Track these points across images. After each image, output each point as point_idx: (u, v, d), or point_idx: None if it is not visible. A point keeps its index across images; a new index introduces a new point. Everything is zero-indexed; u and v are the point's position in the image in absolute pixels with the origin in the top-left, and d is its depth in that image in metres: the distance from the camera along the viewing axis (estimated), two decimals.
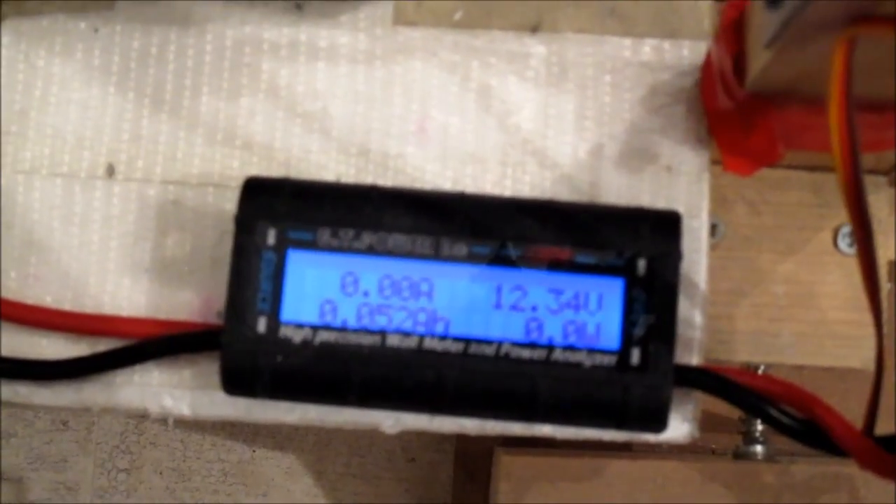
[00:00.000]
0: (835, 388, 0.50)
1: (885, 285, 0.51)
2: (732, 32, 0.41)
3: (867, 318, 0.36)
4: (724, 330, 0.49)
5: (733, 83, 0.42)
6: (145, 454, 1.07)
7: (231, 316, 0.42)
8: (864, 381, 0.39)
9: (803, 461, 0.69)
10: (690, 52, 0.47)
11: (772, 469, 0.69)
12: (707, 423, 0.49)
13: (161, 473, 1.07)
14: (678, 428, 0.45)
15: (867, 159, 0.46)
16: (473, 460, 0.94)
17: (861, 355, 0.50)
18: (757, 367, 0.58)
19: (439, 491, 1.05)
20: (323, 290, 0.42)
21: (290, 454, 1.06)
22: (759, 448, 0.72)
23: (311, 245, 0.42)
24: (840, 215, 0.50)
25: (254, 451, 1.06)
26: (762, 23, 0.37)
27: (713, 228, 0.49)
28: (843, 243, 0.50)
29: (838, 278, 0.49)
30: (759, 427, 0.73)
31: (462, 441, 0.96)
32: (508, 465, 0.69)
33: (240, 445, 1.06)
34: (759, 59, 0.39)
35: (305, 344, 0.42)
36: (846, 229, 0.50)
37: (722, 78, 0.42)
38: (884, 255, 0.50)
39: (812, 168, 0.49)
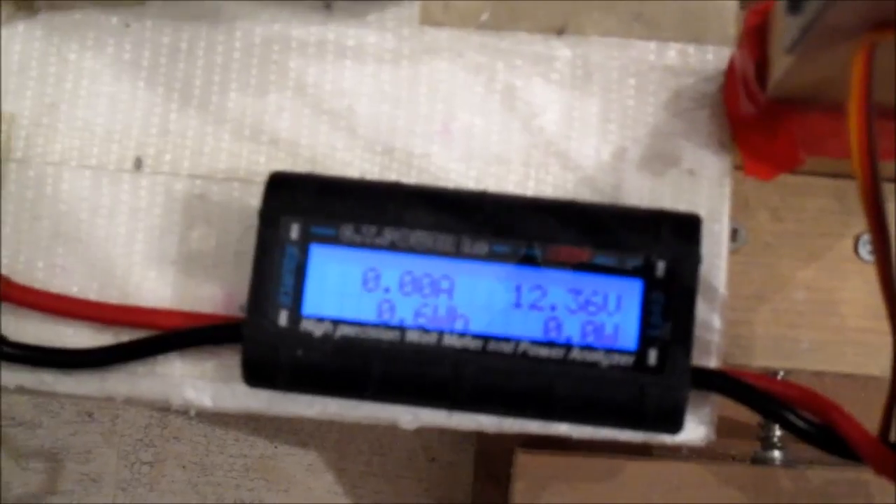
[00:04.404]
0: (856, 396, 0.50)
1: None
2: (755, 38, 0.42)
3: (887, 326, 0.36)
4: (743, 335, 0.50)
5: (756, 88, 0.42)
6: (169, 447, 1.08)
7: (253, 309, 0.43)
8: (886, 390, 0.40)
9: (820, 467, 0.70)
10: (715, 57, 0.47)
11: (788, 474, 0.69)
12: (726, 429, 0.49)
13: (184, 467, 1.08)
14: (695, 430, 0.45)
15: (889, 168, 0.47)
16: (494, 461, 0.95)
17: (880, 363, 0.50)
18: (776, 373, 0.59)
19: (459, 492, 1.06)
20: (344, 286, 0.43)
21: (312, 451, 1.07)
22: (777, 454, 0.73)
23: (334, 240, 0.43)
24: (862, 223, 0.50)
25: (276, 447, 1.08)
26: (783, 28, 0.38)
27: (734, 233, 0.49)
28: (864, 251, 0.51)
29: (859, 285, 0.50)
30: (778, 433, 0.73)
31: (483, 442, 0.97)
32: (526, 464, 0.70)
33: (262, 441, 1.08)
34: (780, 65, 0.39)
35: (326, 338, 0.43)
36: (867, 237, 0.51)
37: (744, 83, 0.43)
38: None
39: (835, 175, 0.50)
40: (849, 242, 0.50)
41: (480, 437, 0.97)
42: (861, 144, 0.33)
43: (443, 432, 1.01)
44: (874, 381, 0.50)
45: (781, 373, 0.58)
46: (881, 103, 0.34)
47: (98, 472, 1.08)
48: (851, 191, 0.50)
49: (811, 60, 0.38)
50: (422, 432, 1.01)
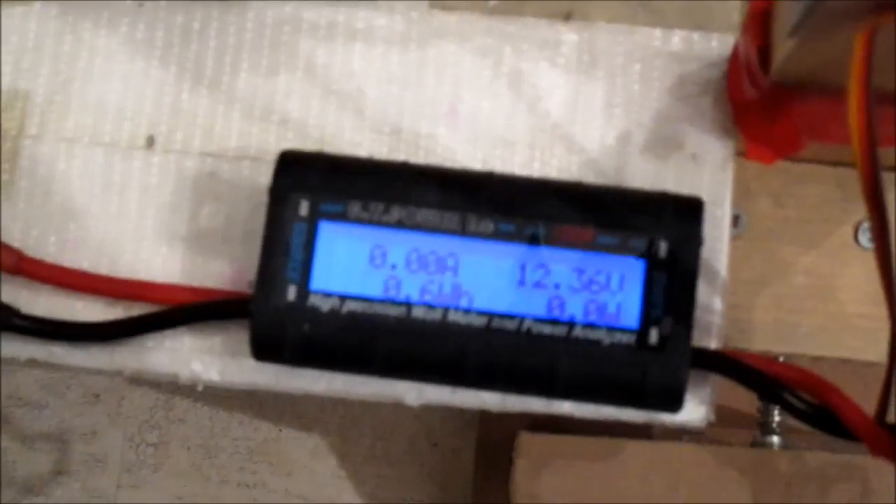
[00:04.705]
0: (854, 381, 0.51)
1: None
2: (759, 23, 0.42)
3: (885, 312, 0.37)
4: (744, 319, 0.50)
5: (758, 73, 0.43)
6: (174, 430, 1.10)
7: (262, 283, 0.44)
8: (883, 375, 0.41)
9: (818, 451, 0.71)
10: (719, 44, 0.49)
11: (785, 456, 0.71)
12: (726, 419, 0.50)
13: (189, 449, 1.10)
14: (695, 410, 0.46)
15: (889, 156, 0.47)
16: (495, 447, 0.96)
17: (878, 349, 0.51)
18: (776, 357, 0.59)
19: (461, 477, 1.08)
20: (352, 262, 0.44)
21: (316, 435, 1.09)
22: (775, 439, 0.74)
23: (342, 217, 0.44)
24: (862, 210, 0.50)
25: (280, 431, 1.09)
26: (787, 11, 0.39)
27: (737, 219, 0.50)
28: (864, 238, 0.51)
29: (858, 272, 0.50)
30: (777, 419, 0.75)
31: (484, 428, 0.99)
32: (528, 443, 0.71)
33: (266, 424, 1.09)
34: (783, 49, 0.40)
35: (333, 313, 0.44)
36: (867, 224, 0.51)
37: (748, 68, 0.44)
38: None
39: (836, 163, 0.51)
40: (849, 229, 0.51)
41: (482, 423, 0.98)
42: (861, 128, 0.34)
43: (445, 418, 1.03)
44: (872, 366, 0.51)
45: (781, 357, 0.59)
46: (881, 89, 0.34)
47: (103, 453, 1.10)
48: (852, 179, 0.51)
49: (813, 44, 0.38)
50: (424, 418, 1.03)
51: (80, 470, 1.09)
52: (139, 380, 1.04)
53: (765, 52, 0.43)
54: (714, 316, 0.47)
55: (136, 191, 0.49)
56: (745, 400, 0.65)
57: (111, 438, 1.09)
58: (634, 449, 0.71)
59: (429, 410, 0.95)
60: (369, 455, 1.08)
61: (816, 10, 0.36)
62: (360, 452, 1.08)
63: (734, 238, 0.49)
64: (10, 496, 1.09)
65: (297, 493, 1.08)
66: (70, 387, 1.08)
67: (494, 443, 0.97)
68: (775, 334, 0.51)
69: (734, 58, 0.47)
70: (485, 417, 0.99)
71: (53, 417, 1.09)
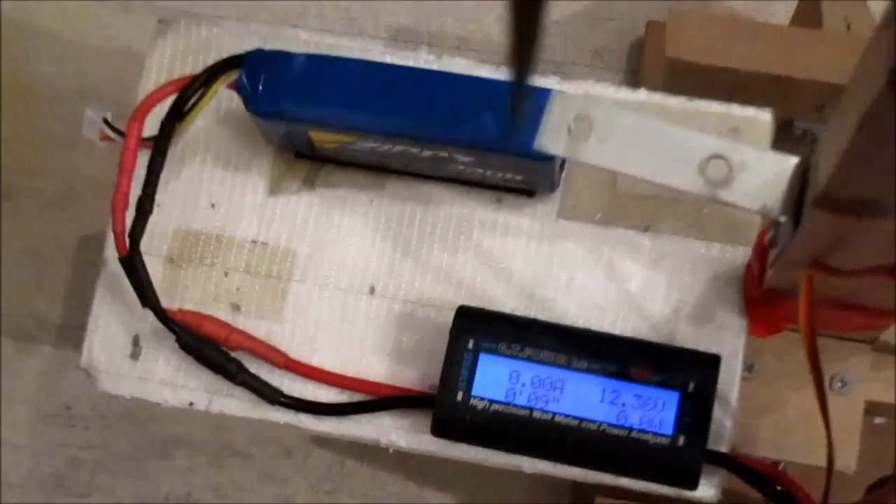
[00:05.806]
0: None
1: (860, 419, 0.68)
2: (760, 252, 0.59)
3: (844, 436, 0.54)
4: (750, 434, 0.65)
5: (758, 281, 0.60)
6: (344, 482, 1.20)
7: (442, 388, 0.60)
8: (841, 478, 0.58)
9: None
10: (743, 255, 0.64)
11: None
12: None
13: (353, 498, 1.20)
14: (706, 491, 0.62)
15: (857, 333, 0.65)
16: None
17: (841, 461, 0.67)
18: (777, 463, 0.72)
19: None
20: (498, 379, 0.59)
21: (450, 496, 1.17)
22: None
23: (494, 351, 0.60)
24: (835, 367, 0.68)
25: (423, 490, 1.18)
26: (770, 253, 0.57)
27: (751, 367, 0.66)
28: (836, 386, 0.69)
29: (831, 408, 0.67)
30: None
31: (574, 496, 1.12)
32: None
33: (413, 485, 1.18)
34: (768, 272, 0.57)
35: (484, 409, 0.59)
36: (837, 376, 0.69)
37: (752, 276, 0.61)
38: (863, 396, 0.69)
39: (819, 335, 0.68)
40: (825, 380, 0.68)
41: (572, 495, 1.11)
42: (805, 323, 0.50)
43: (546, 489, 1.12)
44: (840, 474, 0.66)
45: (781, 465, 0.74)
46: (825, 298, 0.51)
47: (291, 495, 1.20)
48: (827, 347, 0.67)
49: (783, 273, 0.55)
50: (531, 490, 1.12)
51: None
52: (323, 443, 1.15)
53: (762, 270, 0.59)
54: (725, 430, 0.61)
55: (362, 320, 0.65)
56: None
57: (298, 485, 1.18)
58: None
59: (535, 484, 1.05)
60: None
61: (780, 259, 0.53)
62: None
63: (747, 379, 0.64)
64: None
65: None
66: (270, 443, 1.18)
67: None
68: (771, 446, 0.66)
69: (748, 268, 0.63)
70: (573, 490, 1.11)
71: (256, 466, 1.19)
